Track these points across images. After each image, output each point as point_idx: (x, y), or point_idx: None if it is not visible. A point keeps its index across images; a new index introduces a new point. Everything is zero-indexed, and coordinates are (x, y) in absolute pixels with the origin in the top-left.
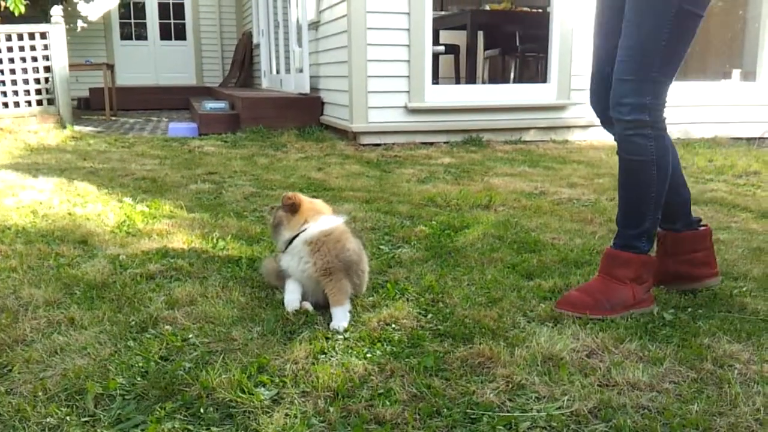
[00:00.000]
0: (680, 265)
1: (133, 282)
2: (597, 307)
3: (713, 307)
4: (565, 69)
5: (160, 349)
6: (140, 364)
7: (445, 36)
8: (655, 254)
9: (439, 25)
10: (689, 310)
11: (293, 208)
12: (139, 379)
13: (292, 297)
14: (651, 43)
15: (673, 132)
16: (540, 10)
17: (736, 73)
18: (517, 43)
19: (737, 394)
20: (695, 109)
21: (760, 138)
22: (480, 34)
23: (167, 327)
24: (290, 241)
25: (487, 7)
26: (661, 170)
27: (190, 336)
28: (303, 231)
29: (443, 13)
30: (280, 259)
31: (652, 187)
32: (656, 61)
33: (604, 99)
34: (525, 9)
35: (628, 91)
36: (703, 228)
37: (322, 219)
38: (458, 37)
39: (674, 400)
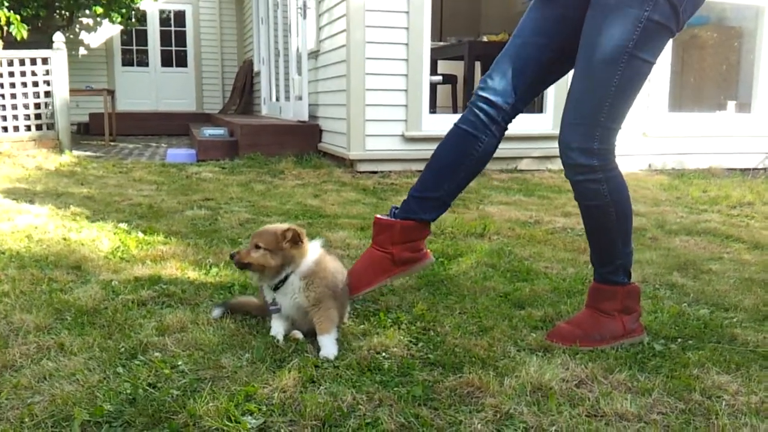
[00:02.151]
0: (405, 251)
1: (124, 308)
2: (587, 339)
3: (704, 337)
4: (561, 99)
5: (148, 376)
6: (128, 391)
7: (443, 66)
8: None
9: (437, 55)
10: (679, 340)
11: (300, 242)
12: (126, 406)
13: (278, 330)
14: (601, 89)
15: (668, 162)
16: None
17: (731, 104)
18: None
19: (725, 425)
20: (690, 140)
21: (754, 169)
22: (477, 65)
23: (157, 354)
24: (284, 279)
25: (485, 38)
26: (619, 209)
27: (180, 363)
28: (298, 266)
29: (441, 43)
30: (266, 295)
31: (614, 227)
32: (605, 107)
33: (500, 94)
34: None
35: (575, 136)
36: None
37: (309, 248)
38: (456, 68)
39: None
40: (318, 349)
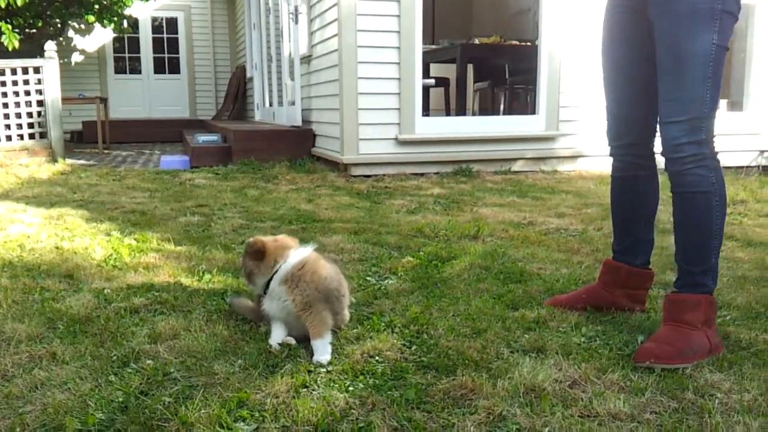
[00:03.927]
0: (622, 297)
1: (116, 316)
2: (681, 356)
3: None
4: (554, 101)
5: (140, 384)
6: (120, 399)
7: (436, 69)
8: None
9: (429, 58)
10: None
11: (259, 254)
12: (118, 414)
13: (276, 338)
14: (699, 85)
15: (662, 162)
16: (528, 44)
17: (722, 103)
18: (507, 76)
19: (718, 423)
20: None
21: (747, 167)
22: (470, 67)
23: (149, 361)
24: (267, 285)
25: (477, 41)
26: (722, 199)
27: (172, 370)
28: (276, 272)
29: (433, 46)
30: (262, 303)
31: (717, 219)
32: (706, 100)
33: (625, 136)
34: (514, 42)
35: (682, 132)
36: (650, 269)
37: (291, 254)
38: (448, 70)
39: (655, 431)
40: (311, 354)
